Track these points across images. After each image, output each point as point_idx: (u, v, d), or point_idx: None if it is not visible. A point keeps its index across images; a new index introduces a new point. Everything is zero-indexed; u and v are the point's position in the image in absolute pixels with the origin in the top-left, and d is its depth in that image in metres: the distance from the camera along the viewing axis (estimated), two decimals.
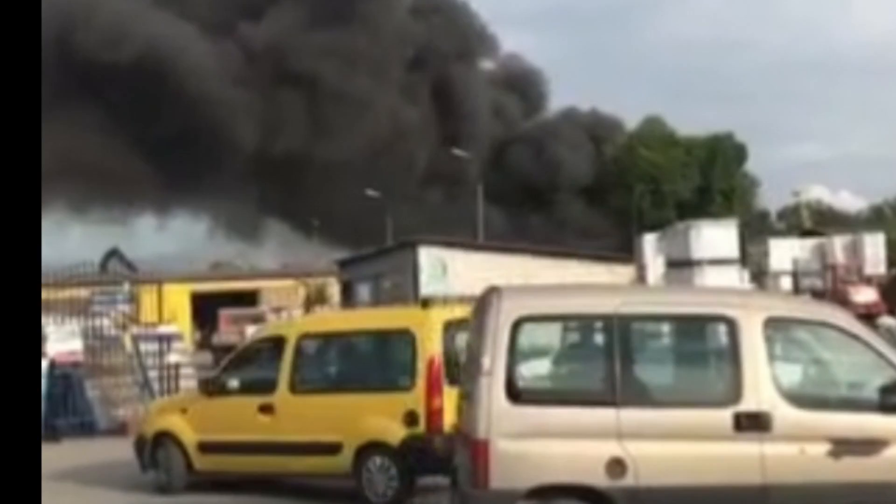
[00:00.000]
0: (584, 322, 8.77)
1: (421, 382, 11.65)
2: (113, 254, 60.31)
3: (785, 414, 7.82)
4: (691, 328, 8.68)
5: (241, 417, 12.72)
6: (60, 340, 19.85)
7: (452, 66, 75.45)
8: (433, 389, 11.56)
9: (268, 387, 12.64)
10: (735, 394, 7.86)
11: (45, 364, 17.78)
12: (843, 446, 7.81)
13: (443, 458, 10.98)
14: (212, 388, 13.33)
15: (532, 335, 8.25)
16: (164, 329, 23.73)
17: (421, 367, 11.69)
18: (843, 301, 29.70)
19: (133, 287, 25.62)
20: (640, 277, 38.98)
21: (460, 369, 11.65)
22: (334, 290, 56.49)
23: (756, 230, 60.73)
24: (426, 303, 13.05)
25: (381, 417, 11.82)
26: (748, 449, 7.77)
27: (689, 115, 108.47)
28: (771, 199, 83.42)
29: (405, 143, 70.86)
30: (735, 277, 36.79)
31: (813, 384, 8.48)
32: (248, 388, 12.91)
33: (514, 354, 7.94)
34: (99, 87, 64.92)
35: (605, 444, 7.74)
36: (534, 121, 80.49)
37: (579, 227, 68.46)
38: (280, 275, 65.26)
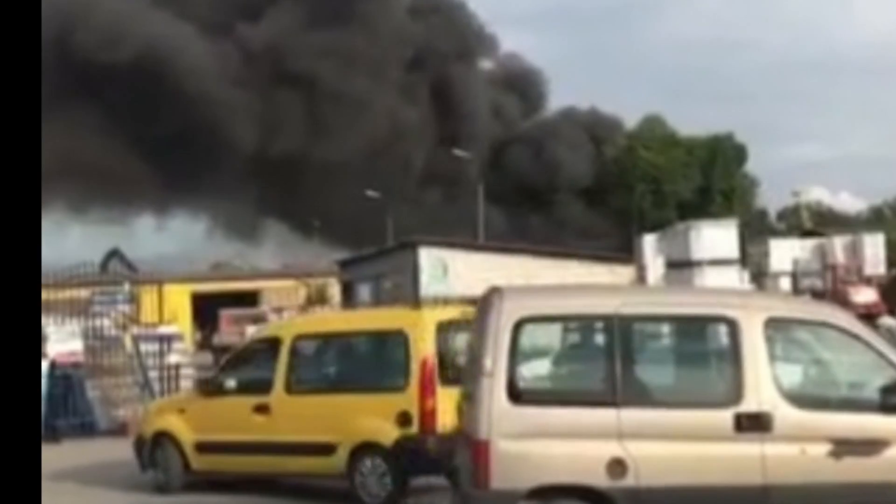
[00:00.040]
0: (585, 322, 8.79)
1: (414, 383, 11.69)
2: (114, 254, 60.22)
3: (786, 414, 7.83)
4: (692, 329, 8.70)
5: (238, 418, 12.76)
6: (61, 341, 19.86)
7: (451, 66, 75.35)
8: (426, 390, 11.60)
9: (264, 387, 12.70)
10: (736, 394, 7.88)
11: (45, 364, 17.78)
12: (844, 447, 7.82)
13: (436, 459, 11.14)
14: (208, 388, 13.43)
15: (533, 336, 8.26)
16: (164, 329, 23.73)
17: (414, 367, 11.72)
18: (843, 301, 29.69)
19: (133, 287, 25.59)
20: (641, 278, 38.96)
21: (457, 370, 11.64)
22: (335, 290, 56.48)
23: (756, 230, 60.74)
24: (418, 303, 13.06)
25: (375, 418, 11.86)
26: (749, 449, 7.78)
27: (690, 116, 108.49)
28: (771, 199, 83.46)
29: (404, 144, 70.84)
30: (735, 278, 36.79)
31: (813, 384, 8.49)
32: (244, 389, 12.96)
33: (516, 355, 7.95)
34: (97, 88, 64.85)
35: (606, 444, 7.75)
36: (533, 120, 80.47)
37: (579, 227, 68.42)
38: (281, 275, 65.26)
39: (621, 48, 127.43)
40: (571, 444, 7.78)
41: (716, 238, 38.18)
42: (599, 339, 8.36)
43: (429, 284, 41.56)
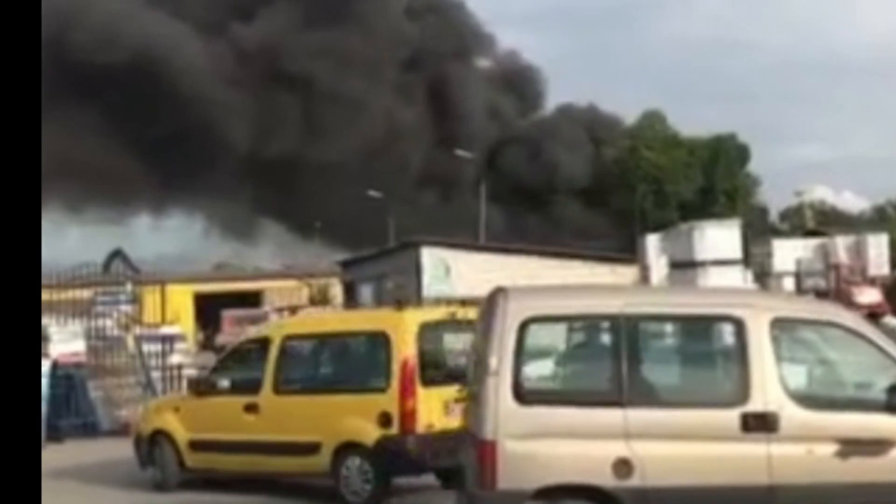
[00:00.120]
0: (591, 323, 8.77)
1: (395, 384, 11.80)
2: (116, 254, 60.11)
3: (792, 414, 7.82)
4: (698, 329, 8.69)
5: (229, 416, 12.96)
6: (63, 341, 19.87)
7: (448, 65, 75.24)
8: (406, 391, 11.72)
9: (253, 387, 12.87)
10: (742, 394, 7.87)
11: (47, 365, 17.75)
12: (851, 447, 7.82)
13: (417, 459, 11.47)
14: (201, 387, 13.63)
15: (538, 336, 8.24)
16: (166, 330, 23.72)
17: (395, 368, 11.84)
18: (846, 302, 29.60)
19: (136, 288, 25.52)
20: (644, 278, 38.86)
21: (441, 370, 12.04)
22: (337, 290, 56.52)
23: (758, 230, 60.69)
24: (401, 305, 13.40)
25: (358, 418, 11.97)
26: (755, 449, 7.77)
27: (692, 116, 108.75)
28: (774, 199, 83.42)
29: (400, 144, 70.79)
30: (738, 278, 36.66)
31: (820, 384, 8.49)
32: (235, 388, 13.15)
33: (521, 355, 7.95)
34: (92, 87, 64.79)
35: (613, 444, 7.74)
36: (531, 119, 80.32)
37: (577, 227, 68.38)
38: (283, 275, 65.33)
39: (623, 48, 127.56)
40: (577, 444, 7.78)
41: (719, 238, 38.06)
42: (605, 339, 8.36)
43: (431, 285, 41.57)
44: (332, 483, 12.14)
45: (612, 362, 8.03)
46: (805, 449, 7.80)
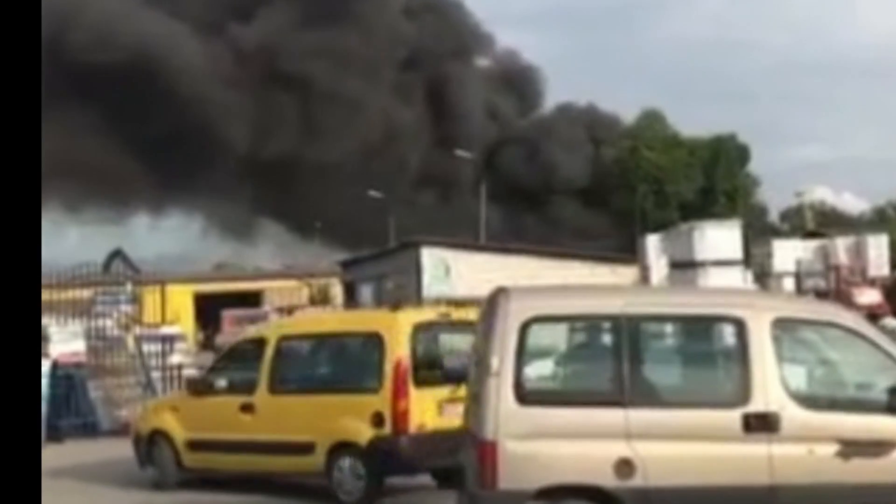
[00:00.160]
0: (592, 323, 8.76)
1: (387, 384, 11.85)
2: (116, 254, 60.10)
3: (793, 415, 7.81)
4: (700, 329, 8.68)
5: (225, 416, 13.03)
6: (63, 341, 19.85)
7: (447, 65, 75.19)
8: (399, 391, 11.77)
9: (249, 387, 12.94)
10: (744, 394, 7.86)
11: (47, 365, 17.75)
12: (852, 447, 7.81)
13: (408, 460, 11.56)
14: (198, 387, 13.73)
15: (540, 336, 8.23)
16: (166, 330, 23.73)
17: (388, 369, 11.89)
18: (846, 303, 29.63)
19: (136, 288, 25.51)
20: (644, 278, 38.90)
21: (435, 371, 12.12)
22: (337, 290, 56.54)
23: (759, 231, 60.71)
24: (396, 306, 13.51)
25: (351, 418, 12.02)
26: (757, 450, 7.76)
27: (692, 116, 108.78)
28: (774, 199, 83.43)
29: (398, 144, 70.77)
30: (739, 278, 36.69)
31: (821, 385, 8.49)
32: (231, 388, 13.23)
33: (523, 355, 7.94)
34: (90, 87, 64.78)
35: (614, 444, 7.73)
36: (530, 119, 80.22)
37: (575, 227, 68.37)
38: (283, 275, 65.33)
39: (623, 48, 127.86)
40: (579, 444, 7.77)
41: (719, 239, 38.10)
42: (607, 339, 8.35)
43: (431, 285, 41.57)
44: (327, 483, 12.20)
45: (613, 362, 8.02)
46: (806, 449, 7.79)
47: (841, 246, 44.86)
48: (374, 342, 12.21)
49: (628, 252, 46.95)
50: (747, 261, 41.07)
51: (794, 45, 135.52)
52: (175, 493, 13.40)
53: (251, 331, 16.59)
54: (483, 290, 9.23)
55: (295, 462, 12.48)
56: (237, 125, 67.70)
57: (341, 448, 12.02)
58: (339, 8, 69.63)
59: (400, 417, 11.72)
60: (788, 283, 42.55)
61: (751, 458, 7.75)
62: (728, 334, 8.25)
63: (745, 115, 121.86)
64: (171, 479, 13.66)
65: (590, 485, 7.75)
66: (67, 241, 65.99)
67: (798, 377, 8.27)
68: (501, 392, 7.82)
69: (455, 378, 11.41)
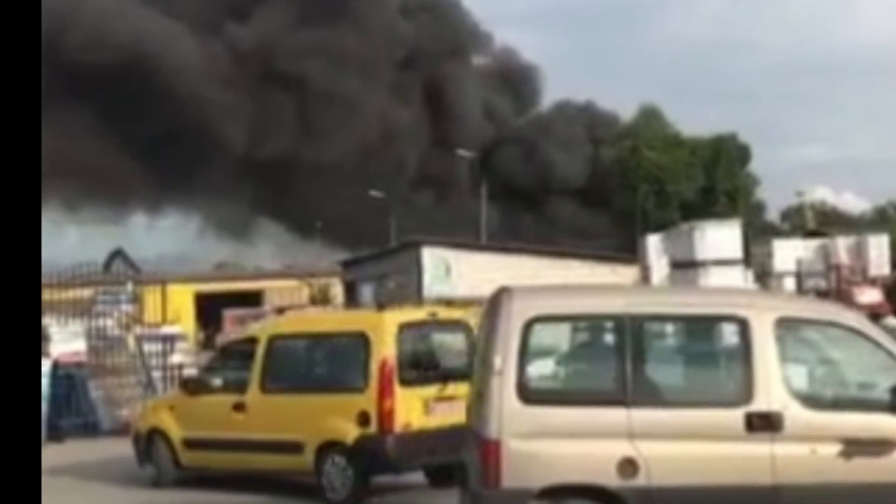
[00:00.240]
0: (595, 322, 8.76)
1: (373, 384, 11.96)
2: (117, 254, 60.16)
3: (796, 414, 7.82)
4: (702, 328, 8.70)
5: (219, 415, 13.18)
6: (64, 341, 19.85)
7: (444, 65, 75.10)
8: (384, 391, 11.89)
9: (242, 386, 13.11)
10: (746, 394, 7.86)
11: (48, 364, 17.76)
12: (854, 447, 7.81)
13: (394, 459, 11.70)
14: (193, 386, 13.89)
15: (542, 335, 8.22)
16: (167, 329, 23.75)
17: (373, 368, 12.01)
18: (847, 302, 29.62)
19: (136, 287, 25.55)
20: (644, 278, 38.85)
21: (421, 370, 12.25)
22: (338, 290, 56.50)
23: (759, 230, 60.69)
24: (382, 306, 13.70)
25: (338, 417, 12.14)
26: (759, 449, 7.77)
27: (693, 116, 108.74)
28: (774, 199, 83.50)
29: (396, 144, 70.72)
30: (739, 278, 36.62)
31: (824, 384, 8.48)
32: (225, 387, 13.39)
33: (526, 355, 7.94)
34: (87, 86, 64.71)
35: (617, 444, 7.73)
36: (528, 117, 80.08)
37: (573, 227, 68.34)
38: (284, 275, 65.26)
39: (623, 48, 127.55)
40: (582, 443, 7.77)
41: (720, 238, 38.03)
42: (610, 338, 8.36)
43: (431, 285, 41.57)
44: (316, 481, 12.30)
45: (616, 362, 8.03)
46: (809, 449, 7.79)
47: (842, 245, 44.82)
48: (360, 342, 12.32)
49: (629, 252, 46.94)
50: (748, 260, 41.02)
51: (795, 44, 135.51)
52: (174, 492, 13.51)
53: (250, 330, 16.64)
54: (484, 289, 9.24)
55: (285, 461, 12.63)
56: (234, 125, 67.63)
57: (329, 447, 12.14)
58: (337, 7, 69.55)
59: (385, 417, 11.84)
60: (789, 283, 42.49)
61: (753, 458, 7.75)
62: (730, 334, 8.25)
63: (745, 114, 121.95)
64: (169, 478, 13.81)
65: (593, 484, 7.75)
66: (67, 240, 66.06)
67: (800, 377, 8.28)
68: (504, 391, 7.83)
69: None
